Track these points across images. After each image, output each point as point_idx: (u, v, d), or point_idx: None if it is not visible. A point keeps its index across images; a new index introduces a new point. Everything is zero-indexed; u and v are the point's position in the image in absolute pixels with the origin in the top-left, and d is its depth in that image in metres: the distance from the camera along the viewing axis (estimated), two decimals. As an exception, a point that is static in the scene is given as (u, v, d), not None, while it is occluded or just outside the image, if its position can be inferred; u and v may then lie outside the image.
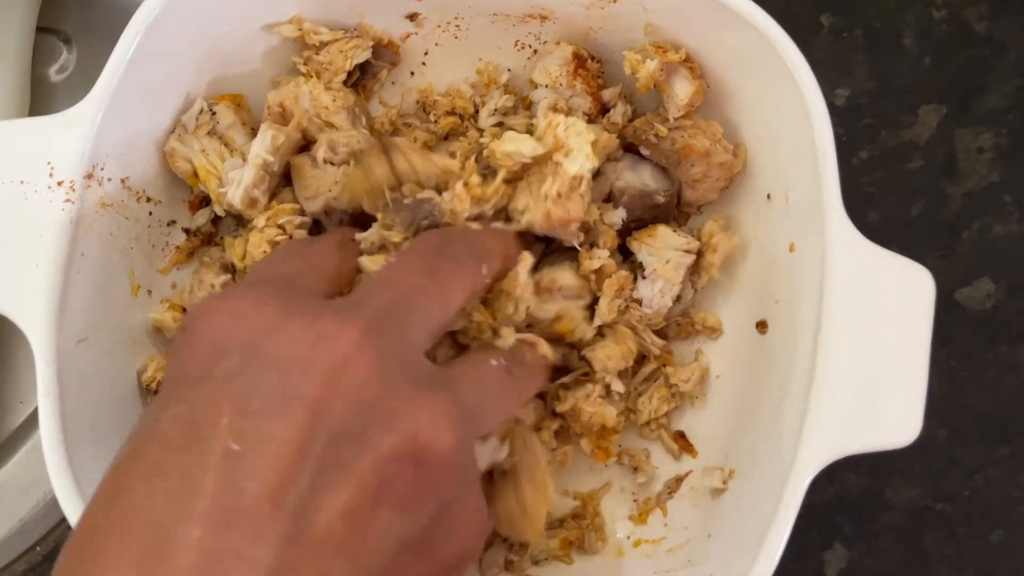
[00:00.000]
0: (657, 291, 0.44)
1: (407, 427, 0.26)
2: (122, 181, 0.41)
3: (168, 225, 0.45)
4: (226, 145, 0.44)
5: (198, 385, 0.26)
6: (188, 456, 0.24)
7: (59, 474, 0.36)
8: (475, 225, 0.38)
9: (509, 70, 0.48)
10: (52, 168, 0.38)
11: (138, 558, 0.23)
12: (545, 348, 0.39)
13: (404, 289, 0.31)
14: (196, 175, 0.43)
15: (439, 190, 0.39)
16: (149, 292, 0.44)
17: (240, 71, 0.45)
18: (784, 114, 0.40)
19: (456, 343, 0.39)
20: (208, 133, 0.44)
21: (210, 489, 0.23)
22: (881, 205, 0.53)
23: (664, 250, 0.43)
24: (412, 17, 0.46)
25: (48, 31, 0.56)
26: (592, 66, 0.45)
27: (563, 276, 0.41)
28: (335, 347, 0.26)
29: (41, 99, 0.54)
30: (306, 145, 0.44)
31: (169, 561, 0.23)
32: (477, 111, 0.48)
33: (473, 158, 0.42)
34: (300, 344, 0.26)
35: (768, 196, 0.43)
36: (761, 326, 0.44)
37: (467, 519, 0.29)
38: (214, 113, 0.44)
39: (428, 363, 0.31)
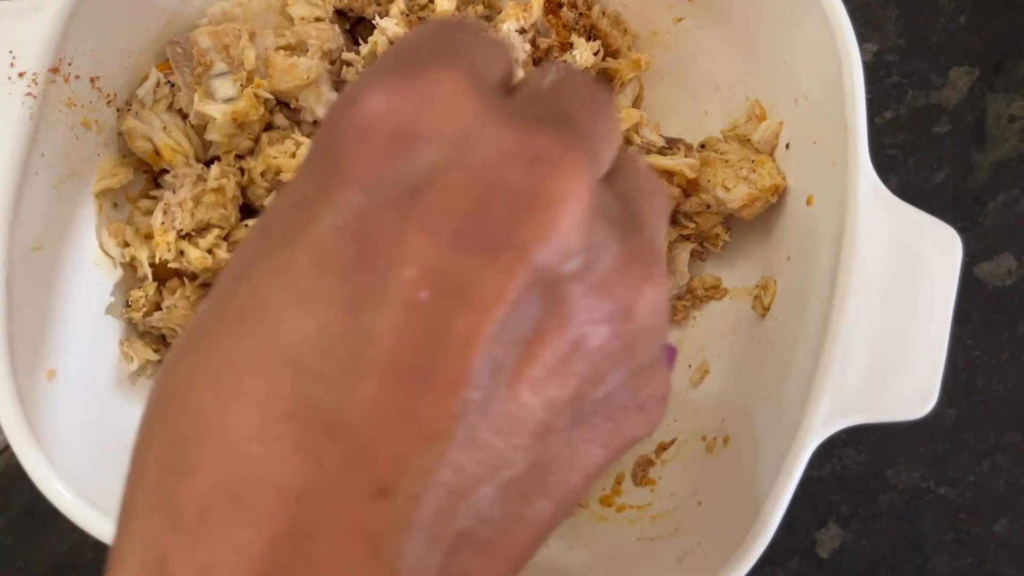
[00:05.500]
0: None
1: (625, 291, 0.21)
2: (91, 81, 0.38)
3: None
4: (185, 119, 0.41)
5: (373, 188, 0.20)
6: (356, 284, 0.19)
7: (2, 387, 0.33)
8: None
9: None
10: (14, 57, 0.35)
11: (272, 404, 0.18)
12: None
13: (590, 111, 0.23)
14: (158, 153, 0.40)
15: None
16: (115, 205, 0.41)
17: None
18: (814, 57, 0.38)
19: None
20: (168, 108, 0.41)
21: (389, 340, 0.18)
22: (903, 169, 0.50)
23: None
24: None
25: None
26: (566, 15, 0.42)
27: None
28: (559, 182, 0.20)
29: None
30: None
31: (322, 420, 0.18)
32: None
33: None
34: (513, 164, 0.20)
35: (787, 146, 0.40)
36: (769, 284, 0.41)
37: (657, 388, 0.23)
38: (172, 85, 0.41)
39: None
